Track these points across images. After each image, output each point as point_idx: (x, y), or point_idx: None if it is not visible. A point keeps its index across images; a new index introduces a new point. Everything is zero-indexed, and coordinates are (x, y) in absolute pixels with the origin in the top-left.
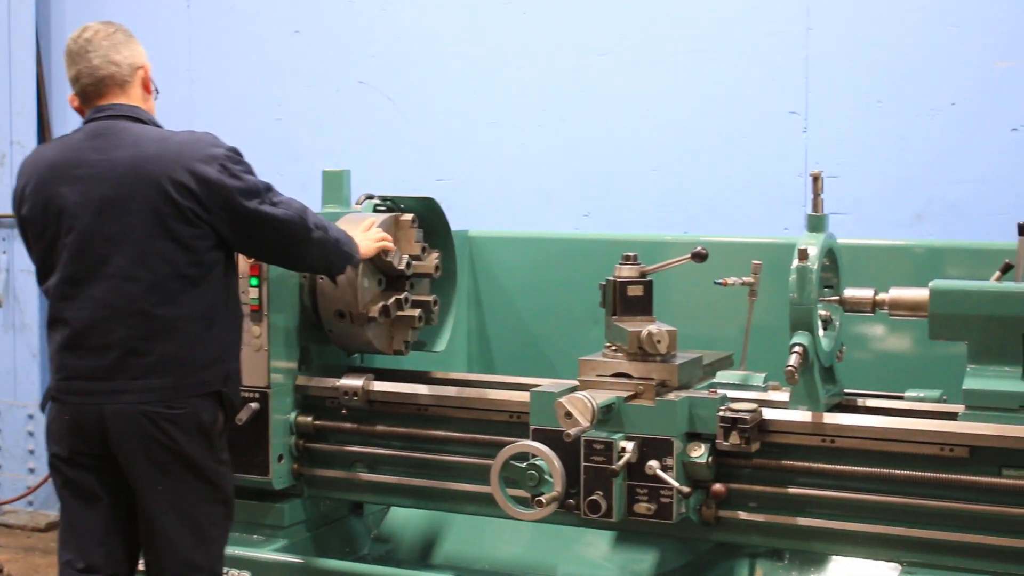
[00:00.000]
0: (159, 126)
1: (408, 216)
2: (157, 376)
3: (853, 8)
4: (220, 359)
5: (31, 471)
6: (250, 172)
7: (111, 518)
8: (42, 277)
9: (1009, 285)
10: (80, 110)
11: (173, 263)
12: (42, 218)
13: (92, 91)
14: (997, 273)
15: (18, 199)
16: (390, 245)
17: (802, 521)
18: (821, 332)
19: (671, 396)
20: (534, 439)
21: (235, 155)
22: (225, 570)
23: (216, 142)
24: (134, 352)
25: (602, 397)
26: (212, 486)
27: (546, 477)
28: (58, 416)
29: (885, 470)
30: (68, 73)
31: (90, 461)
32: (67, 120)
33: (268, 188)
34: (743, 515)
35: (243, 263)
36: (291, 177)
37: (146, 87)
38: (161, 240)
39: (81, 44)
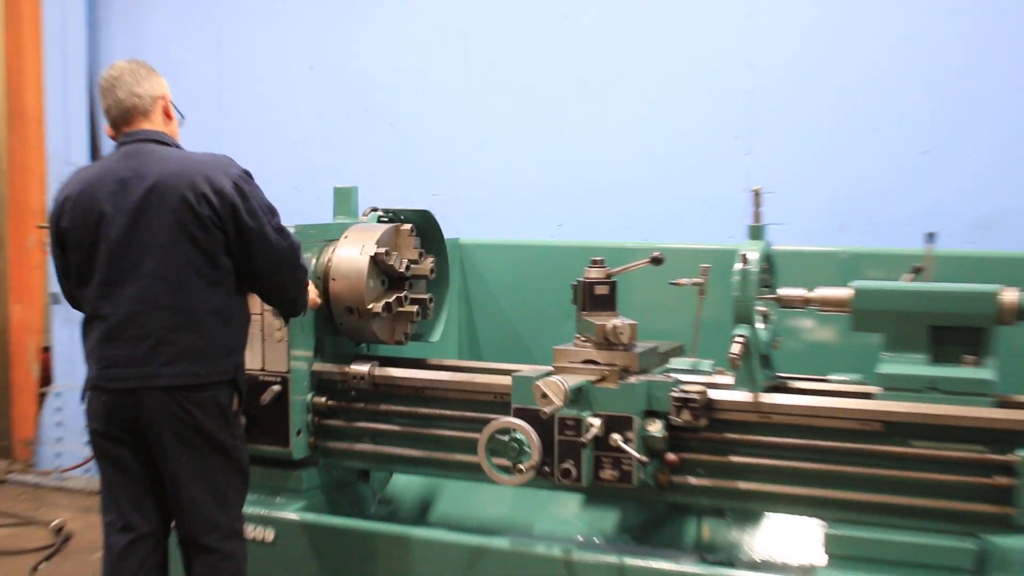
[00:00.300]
0: (181, 148)
1: (407, 226)
2: (183, 363)
3: (788, 49)
4: (233, 352)
5: (88, 443)
6: (259, 193)
7: (144, 486)
8: (80, 281)
9: (919, 285)
10: (113, 136)
11: (194, 264)
12: (82, 228)
13: (120, 120)
14: (909, 275)
15: (58, 212)
16: (316, 302)
17: (742, 485)
18: (760, 325)
19: (632, 380)
20: (515, 416)
21: (247, 176)
22: (251, 527)
23: (231, 163)
24: (164, 341)
25: (573, 380)
26: (230, 458)
27: (525, 448)
28: (96, 399)
29: (813, 441)
30: (101, 105)
31: (125, 437)
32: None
33: (272, 211)
34: (692, 480)
35: None
36: (307, 192)
37: (167, 114)
38: (184, 244)
39: (109, 81)
